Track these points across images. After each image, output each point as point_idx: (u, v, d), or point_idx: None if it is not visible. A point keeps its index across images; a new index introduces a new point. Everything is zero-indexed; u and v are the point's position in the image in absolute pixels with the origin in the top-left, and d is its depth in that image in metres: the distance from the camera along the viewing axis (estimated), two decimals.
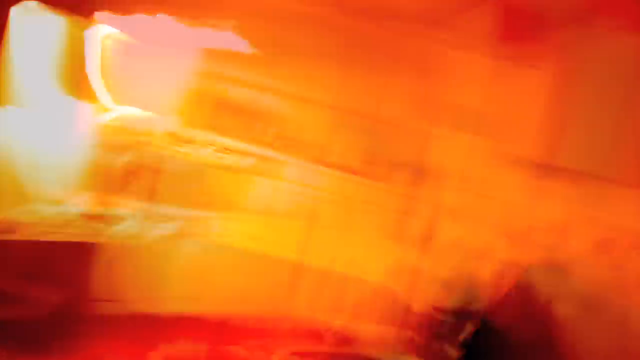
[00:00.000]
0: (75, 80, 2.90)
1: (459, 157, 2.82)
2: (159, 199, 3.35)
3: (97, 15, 2.89)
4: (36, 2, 2.61)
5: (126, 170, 3.32)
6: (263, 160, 3.40)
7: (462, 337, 2.01)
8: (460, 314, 2.06)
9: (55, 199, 2.80)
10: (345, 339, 2.92)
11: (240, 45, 3.28)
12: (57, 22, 2.79)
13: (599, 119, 1.91)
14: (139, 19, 2.80)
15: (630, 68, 1.88)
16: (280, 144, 3.51)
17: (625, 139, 1.82)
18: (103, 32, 2.93)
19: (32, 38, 2.67)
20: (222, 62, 3.44)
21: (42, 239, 2.44)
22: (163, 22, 2.93)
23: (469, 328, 2.02)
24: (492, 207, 2.54)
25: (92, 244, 2.57)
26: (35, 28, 2.67)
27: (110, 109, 3.07)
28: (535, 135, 2.07)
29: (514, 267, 2.16)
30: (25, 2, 2.55)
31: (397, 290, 2.53)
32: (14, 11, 2.50)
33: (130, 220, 2.95)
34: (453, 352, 2.05)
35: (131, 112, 3.17)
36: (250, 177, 3.36)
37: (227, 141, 3.31)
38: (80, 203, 2.91)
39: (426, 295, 2.32)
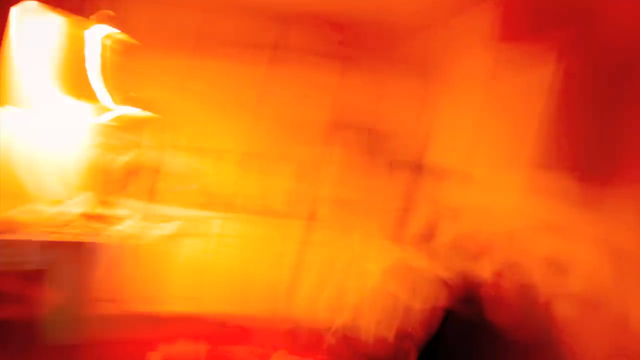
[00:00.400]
0: (75, 80, 2.90)
1: (459, 156, 2.82)
2: (159, 199, 3.35)
3: (97, 15, 2.89)
4: (36, 2, 2.61)
5: (126, 170, 3.32)
6: (190, 221, 3.33)
7: (462, 336, 2.01)
8: (460, 313, 2.06)
9: (55, 199, 2.80)
10: (345, 339, 2.93)
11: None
12: (57, 22, 2.79)
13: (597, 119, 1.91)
14: None
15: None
16: (204, 200, 3.47)
17: (620, 138, 1.82)
18: (103, 32, 2.93)
19: (32, 38, 2.67)
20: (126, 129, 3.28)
21: (42, 239, 2.44)
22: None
23: (469, 328, 2.02)
24: (492, 207, 2.55)
25: (92, 244, 2.56)
26: (36, 28, 2.67)
27: (111, 109, 3.07)
28: (533, 134, 2.07)
29: (514, 267, 2.16)
30: (25, 2, 2.55)
31: (398, 290, 2.53)
32: (14, 11, 2.50)
33: (130, 220, 2.95)
34: (451, 351, 2.04)
35: (131, 112, 3.17)
36: (180, 241, 3.27)
37: (149, 208, 3.17)
38: (81, 203, 2.91)
39: (426, 295, 2.31)
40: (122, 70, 3.05)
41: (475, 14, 2.90)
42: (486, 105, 2.49)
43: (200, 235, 3.41)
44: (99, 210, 2.93)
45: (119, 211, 3.00)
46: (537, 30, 2.19)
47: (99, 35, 2.92)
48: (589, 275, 1.83)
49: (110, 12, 2.94)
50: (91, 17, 2.89)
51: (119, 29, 3.00)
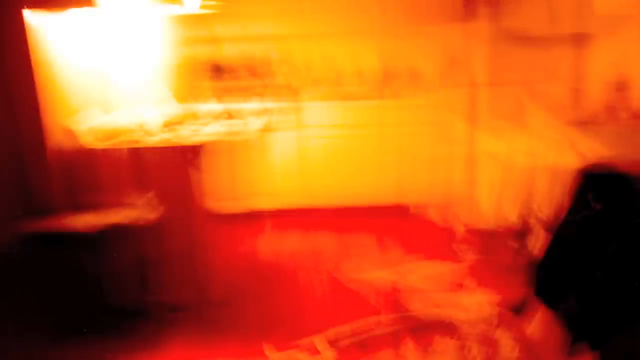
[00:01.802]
0: None
1: None
2: (250, 94, 3.19)
3: None
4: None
5: (211, 66, 3.18)
6: (277, 114, 3.18)
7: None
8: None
9: (110, 106, 2.65)
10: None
11: None
12: None
13: None
14: None
15: None
16: (290, 90, 3.31)
17: None
18: None
19: None
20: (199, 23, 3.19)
21: (137, 145, 2.37)
22: None
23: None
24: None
25: (188, 147, 2.39)
26: None
27: None
28: None
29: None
30: None
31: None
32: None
33: (219, 119, 2.79)
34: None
35: None
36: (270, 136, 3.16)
37: (233, 105, 3.05)
38: (168, 109, 2.80)
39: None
40: None
41: None
42: None
43: (291, 127, 3.22)
44: (182, 113, 2.82)
45: (205, 111, 2.87)
46: None
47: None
48: None
49: None
50: None
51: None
